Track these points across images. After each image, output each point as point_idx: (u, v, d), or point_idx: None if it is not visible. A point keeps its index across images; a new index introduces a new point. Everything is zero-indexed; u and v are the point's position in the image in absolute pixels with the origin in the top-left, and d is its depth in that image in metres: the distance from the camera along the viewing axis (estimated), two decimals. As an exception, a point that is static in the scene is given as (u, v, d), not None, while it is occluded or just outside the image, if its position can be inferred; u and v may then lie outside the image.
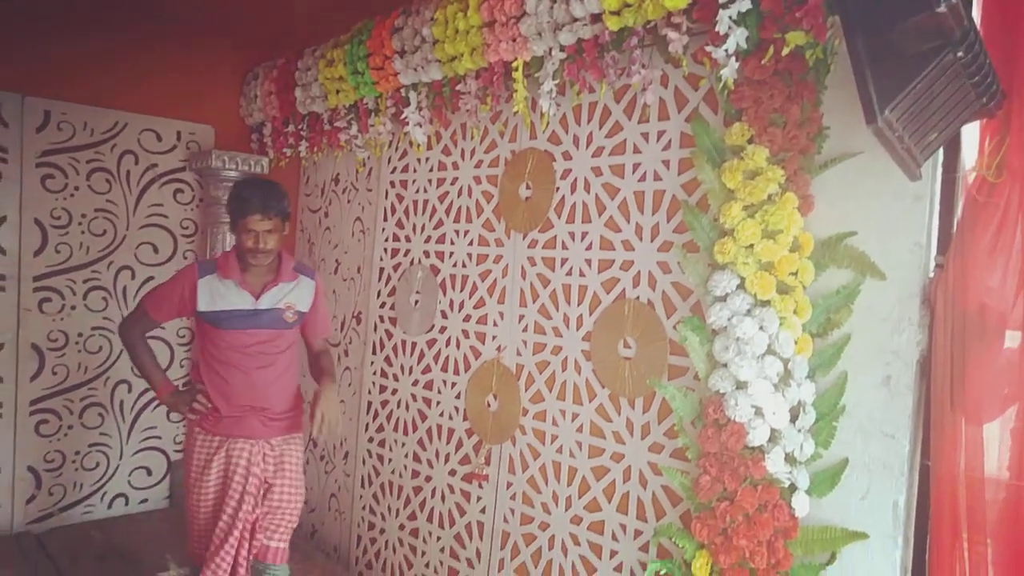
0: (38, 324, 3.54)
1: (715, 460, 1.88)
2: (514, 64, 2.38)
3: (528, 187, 2.63)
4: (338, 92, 3.24)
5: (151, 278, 3.82)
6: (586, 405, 2.40)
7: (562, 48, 2.27)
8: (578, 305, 2.44)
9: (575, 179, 2.47)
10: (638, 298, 2.26)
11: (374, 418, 3.34)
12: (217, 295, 2.35)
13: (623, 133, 2.33)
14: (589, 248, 2.42)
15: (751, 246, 1.82)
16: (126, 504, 3.86)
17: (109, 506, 3.81)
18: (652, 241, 2.24)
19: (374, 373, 3.36)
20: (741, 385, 1.83)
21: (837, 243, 1.80)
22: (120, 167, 3.73)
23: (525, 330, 2.62)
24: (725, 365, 1.86)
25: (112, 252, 3.73)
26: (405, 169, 3.24)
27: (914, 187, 1.67)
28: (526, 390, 2.60)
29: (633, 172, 2.30)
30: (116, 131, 3.71)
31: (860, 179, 1.77)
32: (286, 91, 3.59)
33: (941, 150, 1.66)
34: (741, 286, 1.85)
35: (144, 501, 3.92)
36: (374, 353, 3.37)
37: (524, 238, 2.64)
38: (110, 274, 3.74)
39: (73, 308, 3.63)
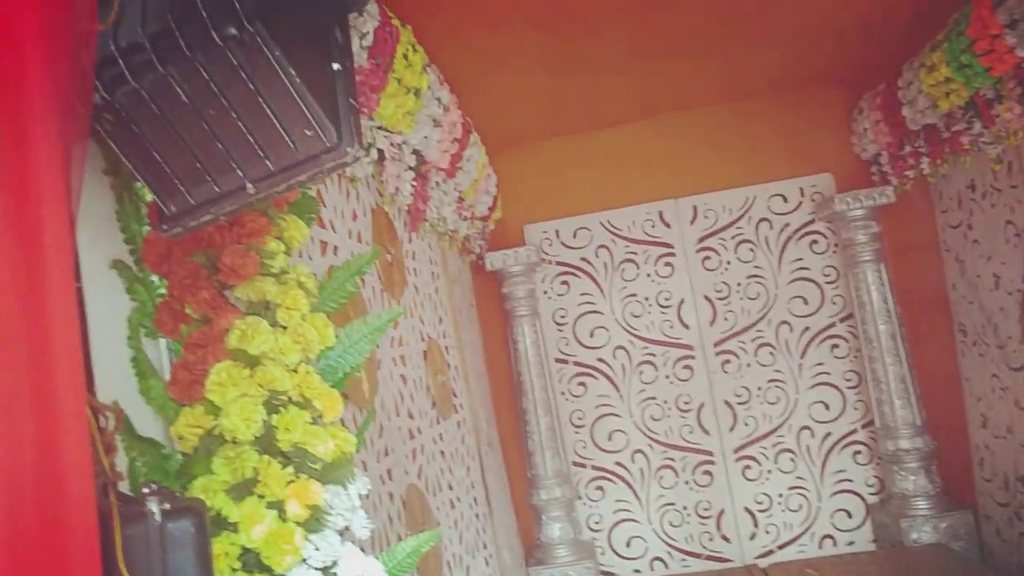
0: (724, 383, 4.17)
1: None
2: None
3: None
4: (948, 95, 2.96)
5: (807, 328, 4.09)
6: None
7: None
8: None
9: None
10: None
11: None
12: None
13: None
14: None
15: None
16: (834, 545, 4.04)
17: (819, 546, 4.06)
18: None
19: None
20: None
21: None
22: (758, 234, 4.17)
23: None
24: None
25: (769, 311, 4.15)
26: (1058, 149, 2.67)
27: None
28: None
29: None
30: (748, 205, 4.18)
31: None
32: (893, 113, 3.45)
33: None
34: None
35: (851, 543, 4.04)
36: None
37: None
38: (771, 330, 4.14)
39: (748, 365, 4.15)
